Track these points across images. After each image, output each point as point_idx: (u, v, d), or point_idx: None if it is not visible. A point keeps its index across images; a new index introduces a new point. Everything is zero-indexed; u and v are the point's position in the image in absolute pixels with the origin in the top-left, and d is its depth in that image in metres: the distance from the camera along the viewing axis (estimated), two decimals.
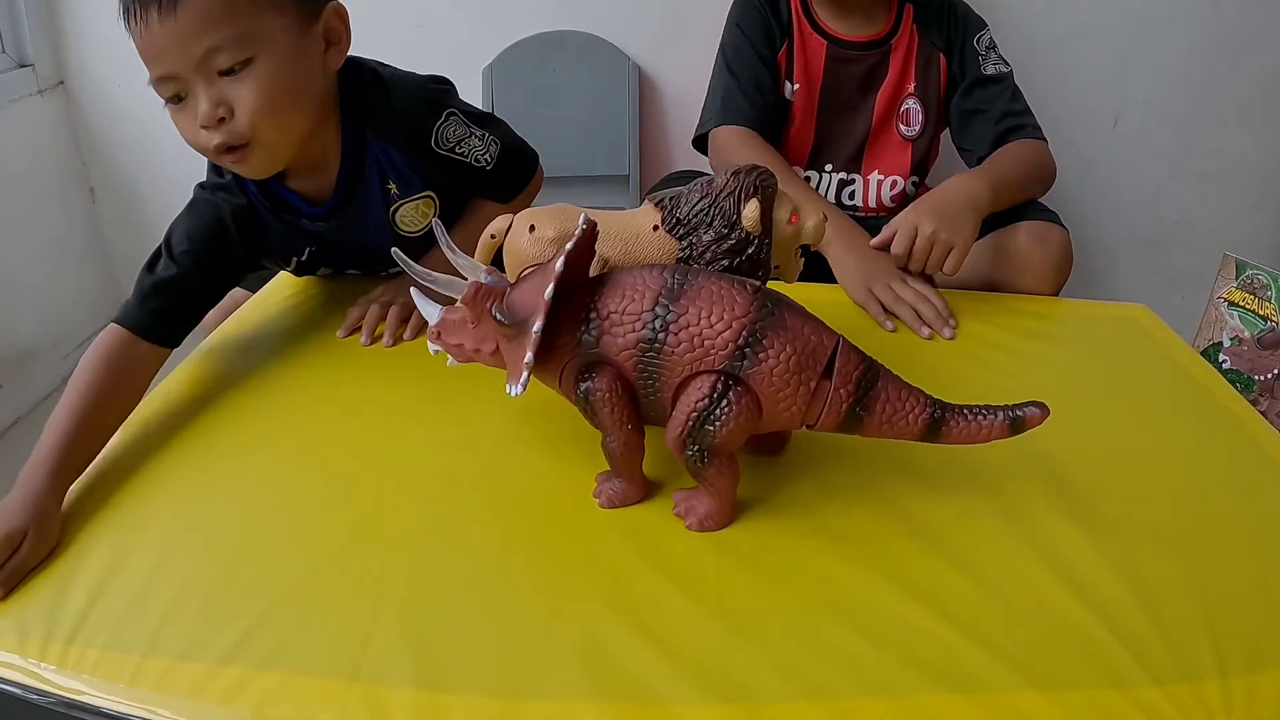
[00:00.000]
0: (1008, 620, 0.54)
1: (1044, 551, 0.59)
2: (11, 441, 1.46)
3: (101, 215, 1.73)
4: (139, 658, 0.52)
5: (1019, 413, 0.57)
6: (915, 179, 1.20)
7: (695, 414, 0.56)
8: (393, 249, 0.66)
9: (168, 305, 0.80)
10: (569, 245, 0.56)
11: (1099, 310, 0.96)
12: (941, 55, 1.16)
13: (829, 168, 1.20)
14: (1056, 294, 1.00)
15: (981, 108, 1.13)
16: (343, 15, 0.83)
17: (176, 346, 0.80)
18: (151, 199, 1.70)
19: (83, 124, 1.65)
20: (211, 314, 0.88)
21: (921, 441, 0.58)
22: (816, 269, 0.97)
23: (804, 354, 0.56)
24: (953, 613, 0.54)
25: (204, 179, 0.89)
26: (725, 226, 0.67)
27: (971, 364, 0.83)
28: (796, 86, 1.17)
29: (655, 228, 0.69)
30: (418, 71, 0.94)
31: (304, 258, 0.94)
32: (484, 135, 0.93)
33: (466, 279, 0.62)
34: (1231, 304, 1.23)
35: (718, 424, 0.56)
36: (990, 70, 1.14)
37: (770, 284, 0.71)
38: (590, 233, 0.59)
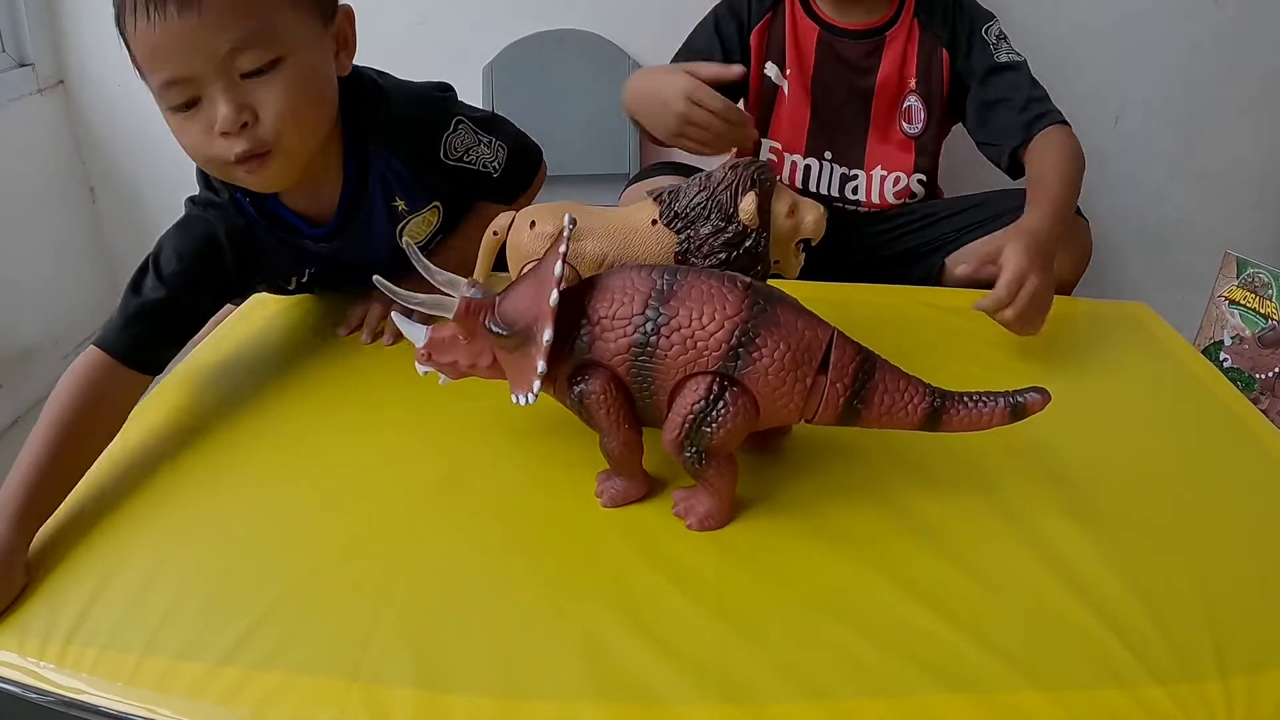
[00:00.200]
0: (1009, 620, 0.54)
1: (1045, 551, 0.59)
2: (11, 441, 1.46)
3: (101, 214, 1.73)
4: (138, 657, 0.52)
5: (1020, 399, 0.57)
6: (921, 176, 1.19)
7: (691, 416, 0.56)
8: (374, 276, 0.62)
9: (152, 331, 0.74)
10: (562, 248, 0.55)
11: (1100, 309, 0.96)
12: (945, 50, 1.14)
13: (828, 155, 1.19)
14: (1077, 281, 1.00)
15: (1003, 97, 1.08)
16: (352, 19, 0.80)
17: (160, 373, 0.75)
18: (151, 198, 1.70)
19: (83, 123, 1.65)
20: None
21: (923, 431, 0.58)
22: (812, 267, 0.96)
23: (799, 350, 0.55)
24: (953, 612, 0.54)
25: (195, 194, 0.84)
26: (722, 219, 0.67)
27: (972, 362, 0.83)
28: (788, 71, 1.16)
29: (653, 222, 0.69)
30: (419, 70, 0.93)
31: (304, 279, 0.90)
32: (491, 141, 0.91)
33: (452, 295, 0.60)
34: (1232, 302, 1.23)
35: (714, 425, 0.55)
36: (1004, 58, 1.10)
37: (772, 280, 0.71)
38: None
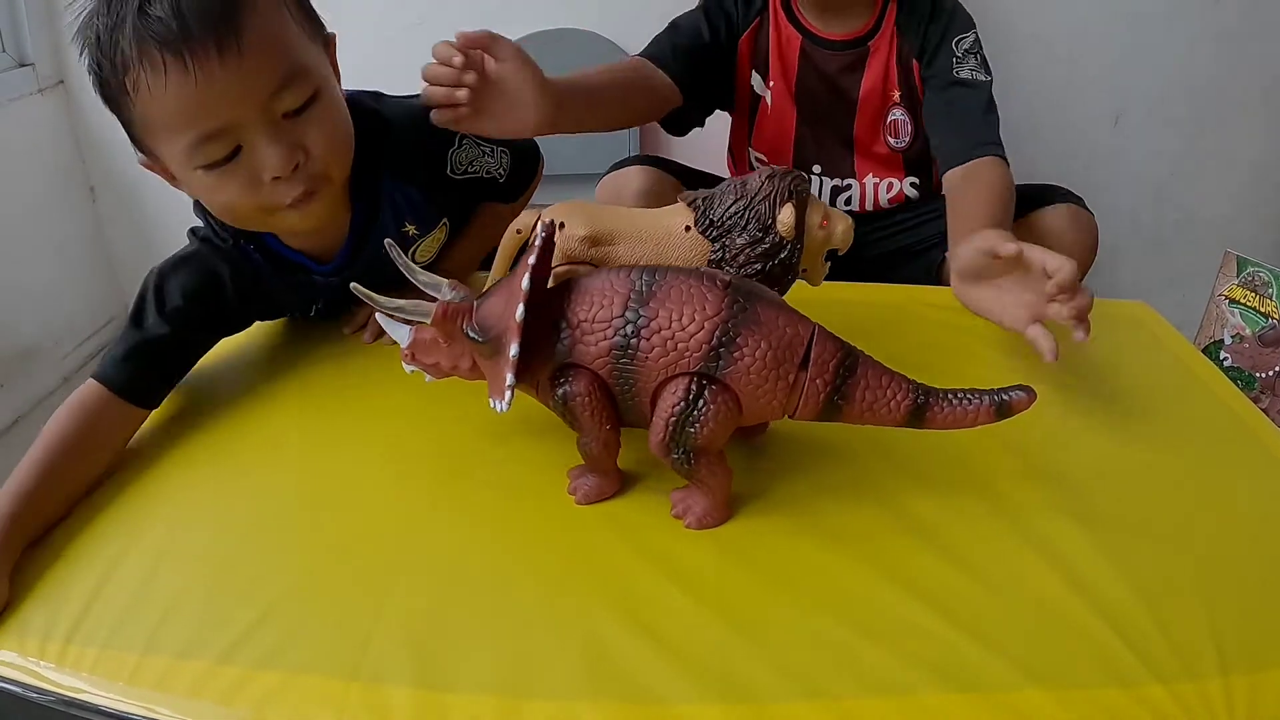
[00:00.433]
0: (1009, 618, 0.54)
1: (1045, 549, 0.59)
2: (12, 441, 1.46)
3: (101, 214, 1.73)
4: (138, 656, 0.52)
5: (1005, 397, 0.56)
6: (913, 180, 1.18)
7: (673, 418, 0.56)
8: (351, 284, 0.61)
9: (151, 366, 0.73)
10: (531, 259, 0.55)
11: (1100, 308, 0.95)
12: (915, 61, 1.10)
13: (817, 169, 1.18)
14: (1085, 272, 1.00)
15: (951, 114, 1.04)
16: (335, 45, 0.78)
17: (156, 408, 0.74)
18: (151, 198, 1.69)
19: (83, 123, 1.65)
20: None
21: (907, 427, 0.58)
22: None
23: (780, 347, 0.55)
24: (954, 611, 0.54)
25: (198, 225, 0.81)
26: (760, 230, 0.66)
27: (971, 361, 0.83)
28: (772, 83, 1.14)
29: (687, 228, 0.69)
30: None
31: (311, 315, 0.88)
32: (494, 149, 0.91)
33: (434, 298, 0.60)
34: (1233, 301, 1.23)
35: (697, 425, 0.55)
36: (965, 74, 1.06)
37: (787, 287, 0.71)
38: (549, 241, 0.58)
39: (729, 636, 0.53)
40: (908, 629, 0.53)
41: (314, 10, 0.75)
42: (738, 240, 0.67)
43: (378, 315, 0.62)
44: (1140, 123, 1.58)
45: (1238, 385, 0.85)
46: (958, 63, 1.07)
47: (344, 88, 0.78)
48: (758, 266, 0.67)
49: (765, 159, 1.19)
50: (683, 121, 1.17)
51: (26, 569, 0.59)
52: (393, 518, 0.63)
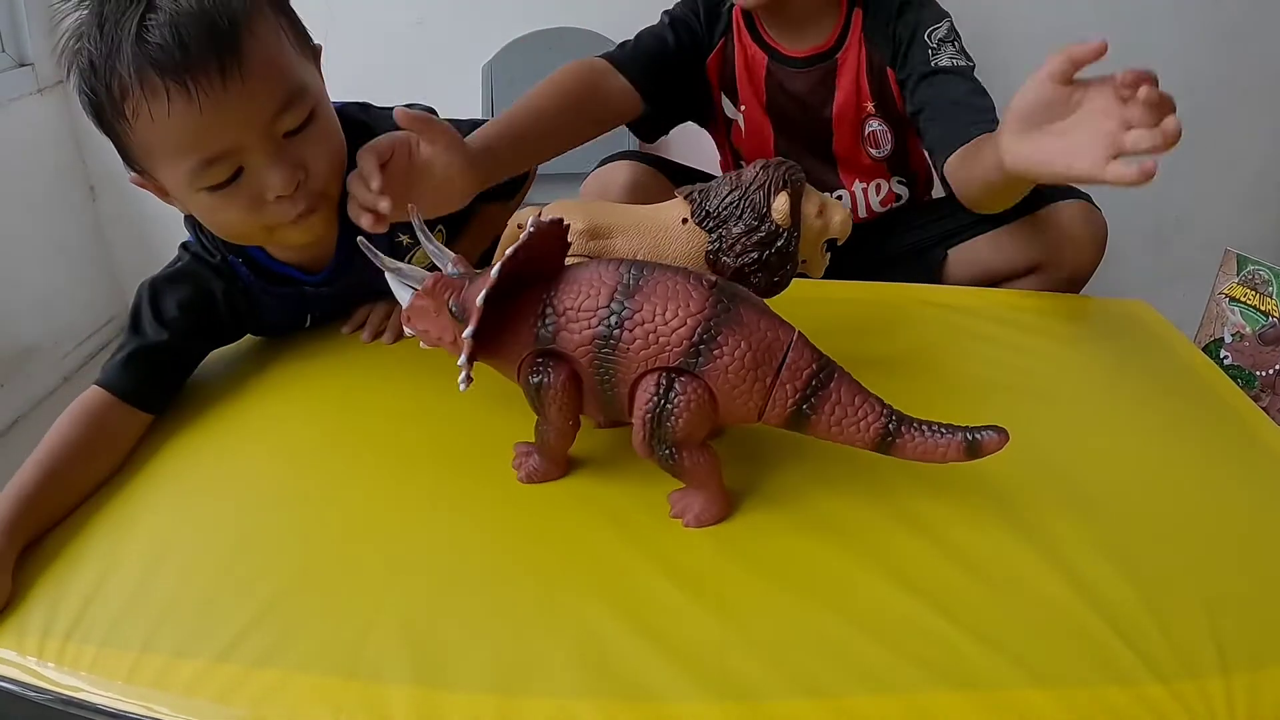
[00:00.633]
0: (1009, 616, 0.54)
1: (1045, 547, 0.59)
2: (12, 441, 1.46)
3: (101, 213, 1.73)
4: (136, 654, 0.52)
5: (977, 436, 0.55)
6: (900, 178, 1.16)
7: (648, 415, 0.56)
8: (358, 238, 0.62)
9: (152, 371, 0.74)
10: (509, 250, 0.56)
11: (1100, 306, 0.96)
12: (888, 69, 1.04)
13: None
14: (1094, 269, 1.00)
15: (935, 106, 0.98)
16: (320, 56, 0.78)
17: (160, 413, 0.74)
18: (151, 198, 1.68)
19: (82, 122, 1.62)
20: None
21: (875, 451, 0.57)
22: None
23: (759, 350, 0.55)
24: (953, 609, 0.54)
25: (188, 239, 0.82)
26: (755, 219, 0.67)
27: (971, 360, 0.83)
28: (744, 106, 1.12)
29: (684, 220, 0.69)
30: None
31: (308, 326, 0.88)
32: None
33: (441, 268, 0.61)
34: (1233, 299, 1.23)
35: (673, 418, 0.56)
36: (946, 62, 0.99)
37: (797, 280, 0.71)
38: (535, 235, 0.58)
39: (727, 634, 0.52)
40: (907, 627, 0.53)
41: (303, 26, 0.75)
42: (734, 230, 0.67)
43: (388, 275, 0.63)
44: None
45: (1238, 383, 0.85)
46: (934, 53, 1.01)
47: (336, 95, 0.79)
48: (754, 255, 0.67)
49: None
50: (649, 129, 1.15)
51: (25, 568, 0.59)
52: (390, 516, 0.63)
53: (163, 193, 0.73)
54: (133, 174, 0.73)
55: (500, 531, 0.61)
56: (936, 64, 1.00)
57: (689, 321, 0.55)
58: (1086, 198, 1.04)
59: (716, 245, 0.68)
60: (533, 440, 0.64)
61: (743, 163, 1.20)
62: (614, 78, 1.03)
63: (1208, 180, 1.62)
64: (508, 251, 0.56)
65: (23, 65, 1.55)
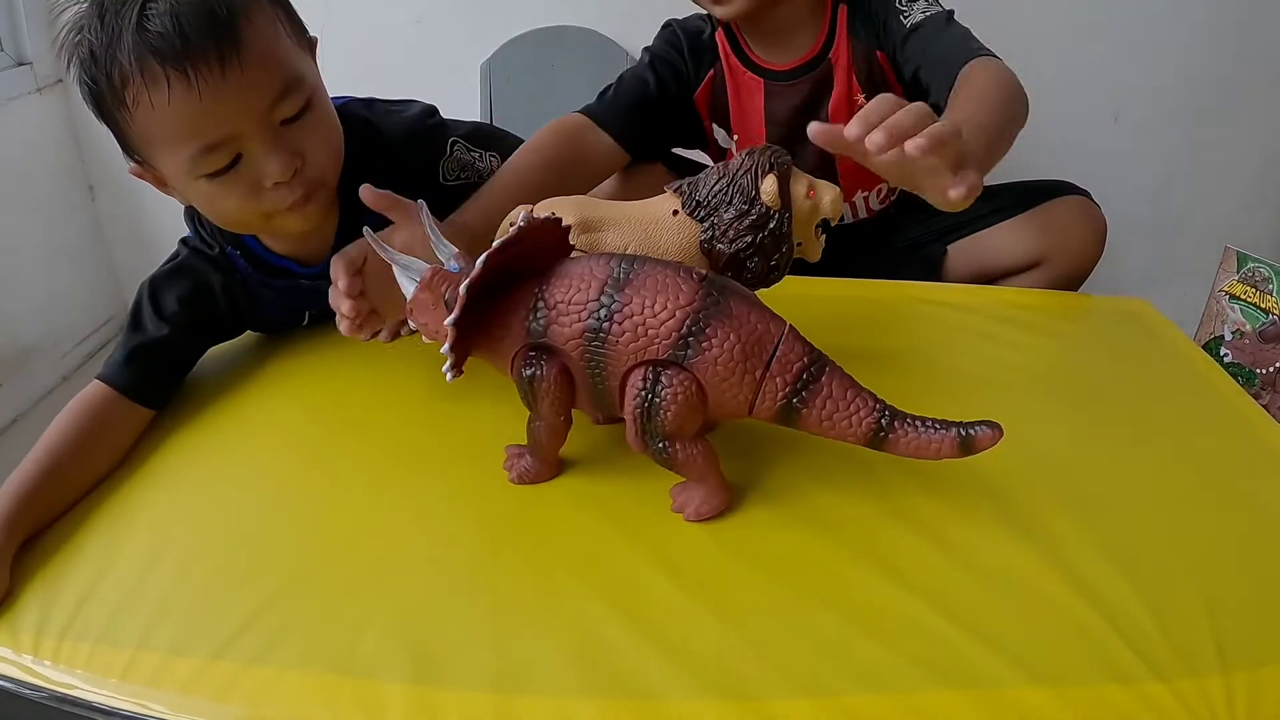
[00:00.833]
0: (1008, 615, 0.54)
1: (1045, 546, 0.59)
2: (11, 440, 1.46)
3: (100, 213, 1.73)
4: (132, 652, 0.52)
5: (971, 431, 0.54)
6: None
7: (638, 409, 0.56)
8: (364, 229, 0.63)
9: (154, 366, 0.75)
10: (498, 243, 0.56)
11: (1100, 304, 0.96)
12: (878, 51, 1.02)
13: None
14: (1094, 264, 1.00)
15: (925, 58, 0.95)
16: (315, 48, 0.78)
17: (161, 409, 0.75)
18: (151, 197, 1.66)
19: (81, 122, 1.65)
20: None
21: (867, 447, 0.57)
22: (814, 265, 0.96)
23: (749, 342, 0.55)
24: (953, 608, 0.54)
25: (187, 234, 0.83)
26: (745, 203, 0.67)
27: (970, 357, 0.83)
28: (736, 136, 1.10)
29: (675, 212, 0.70)
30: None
31: (305, 323, 0.88)
32: (484, 154, 0.91)
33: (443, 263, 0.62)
34: (1233, 297, 1.22)
35: (663, 410, 0.56)
36: (917, 18, 0.97)
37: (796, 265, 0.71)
38: (524, 230, 0.58)
39: (726, 633, 0.52)
40: (906, 625, 0.53)
41: (299, 18, 0.76)
42: (725, 215, 0.67)
43: (394, 268, 0.63)
44: (1139, 118, 1.58)
45: (1238, 381, 0.85)
46: (905, 15, 0.99)
47: (336, 91, 0.79)
48: (748, 239, 0.67)
49: None
50: (636, 159, 1.11)
51: (21, 564, 0.59)
52: (388, 513, 0.63)
53: (161, 183, 0.73)
54: (132, 164, 0.73)
55: (497, 529, 0.61)
56: (908, 22, 0.98)
57: (677, 314, 0.55)
58: (1086, 194, 1.04)
59: (710, 233, 0.68)
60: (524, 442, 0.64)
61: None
62: (595, 135, 1.01)
63: (1208, 178, 1.62)
64: (495, 244, 0.56)
65: (21, 64, 1.55)
